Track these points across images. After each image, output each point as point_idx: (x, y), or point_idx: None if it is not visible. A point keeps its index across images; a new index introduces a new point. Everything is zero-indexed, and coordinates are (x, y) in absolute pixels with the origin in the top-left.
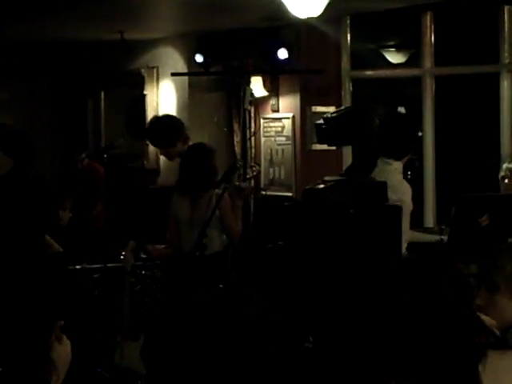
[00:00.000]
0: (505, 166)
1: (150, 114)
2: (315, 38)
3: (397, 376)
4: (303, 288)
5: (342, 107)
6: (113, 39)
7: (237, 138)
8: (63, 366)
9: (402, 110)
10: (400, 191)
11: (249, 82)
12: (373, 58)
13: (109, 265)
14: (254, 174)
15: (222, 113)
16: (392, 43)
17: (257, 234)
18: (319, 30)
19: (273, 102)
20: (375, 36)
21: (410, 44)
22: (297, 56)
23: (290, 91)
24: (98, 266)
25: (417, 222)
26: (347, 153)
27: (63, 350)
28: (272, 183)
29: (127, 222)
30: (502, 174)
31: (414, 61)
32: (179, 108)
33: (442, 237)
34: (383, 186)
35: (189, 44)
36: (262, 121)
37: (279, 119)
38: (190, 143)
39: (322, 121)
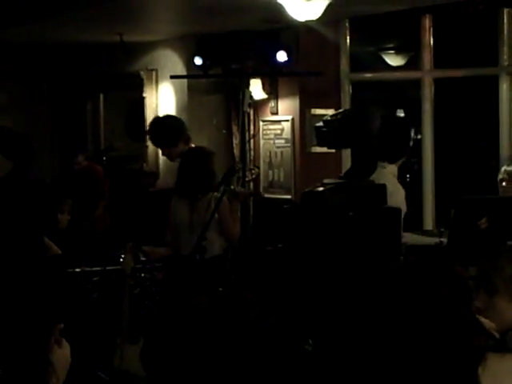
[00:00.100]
0: (503, 168)
1: (149, 117)
2: (314, 40)
3: (396, 379)
4: (303, 291)
5: (341, 110)
6: (112, 41)
7: (236, 141)
8: (63, 369)
9: (400, 112)
10: (394, 194)
11: (248, 85)
12: (372, 61)
13: (108, 267)
14: (253, 176)
15: (221, 115)
16: (391, 46)
17: (256, 237)
18: (318, 33)
19: (272, 104)
20: (374, 38)
21: (409, 46)
22: (296, 58)
23: (289, 94)
24: (98, 268)
25: (416, 224)
26: (346, 155)
27: (63, 353)
28: (271, 186)
29: (126, 224)
30: (500, 176)
31: (413, 63)
32: (178, 110)
33: (441, 239)
34: (383, 188)
35: (188, 46)
36: (261, 123)
37: (278, 122)
38: (192, 144)
39: (321, 123)
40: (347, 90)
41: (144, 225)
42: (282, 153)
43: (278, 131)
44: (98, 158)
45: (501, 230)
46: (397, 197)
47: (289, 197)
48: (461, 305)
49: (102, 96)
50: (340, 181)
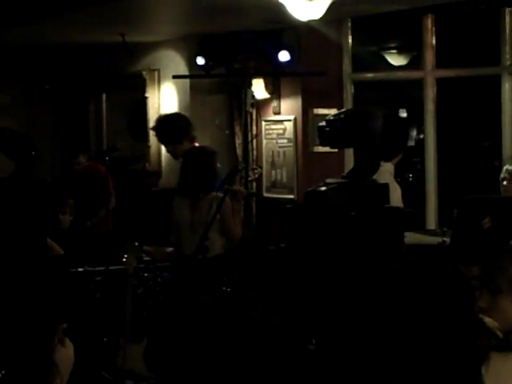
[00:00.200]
0: (505, 168)
1: (151, 117)
2: (316, 40)
3: (399, 378)
4: (305, 290)
5: (344, 109)
6: (114, 42)
7: (238, 141)
8: (66, 368)
9: (403, 112)
10: (390, 192)
11: (250, 85)
12: (374, 61)
13: (111, 267)
14: (256, 176)
15: (223, 115)
16: (393, 45)
17: (259, 237)
18: (320, 33)
19: (274, 104)
20: (376, 38)
21: (411, 46)
22: (298, 58)
23: (292, 93)
24: (101, 268)
25: (419, 224)
26: (349, 155)
27: (66, 353)
28: (274, 185)
29: (129, 224)
30: (501, 175)
31: (415, 63)
32: (181, 110)
33: (444, 239)
34: (385, 188)
35: (190, 46)
36: (263, 123)
37: (281, 121)
38: (196, 143)
39: (324, 123)
40: (349, 89)
41: (147, 224)
42: (284, 152)
43: (281, 131)
44: (101, 158)
45: (504, 229)
46: (393, 195)
47: (291, 196)
48: (464, 304)
49: (104, 96)
50: (342, 180)
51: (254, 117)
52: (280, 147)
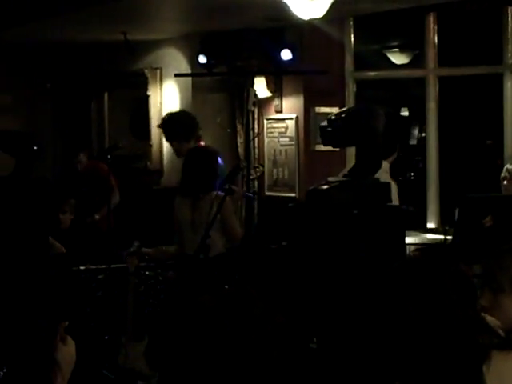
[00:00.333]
0: (505, 167)
1: (153, 115)
2: (319, 38)
3: (401, 377)
4: (307, 289)
5: (345, 108)
6: (116, 40)
7: (240, 139)
8: (68, 366)
9: (405, 111)
10: None
11: (252, 83)
12: (376, 59)
13: (113, 266)
14: (258, 174)
15: (225, 114)
16: (396, 44)
17: (260, 235)
18: (323, 31)
19: (276, 102)
20: (379, 37)
21: (413, 45)
22: (300, 57)
23: (294, 92)
24: (102, 266)
25: (420, 222)
26: (351, 153)
27: (68, 351)
28: (276, 184)
29: (131, 222)
30: (502, 175)
31: (417, 62)
32: (182, 109)
33: (446, 237)
34: (387, 186)
35: (192, 45)
36: (265, 122)
37: (283, 120)
38: (202, 142)
39: (326, 123)
40: (351, 88)
41: (148, 223)
42: (286, 151)
43: (283, 129)
44: (103, 157)
45: (506, 228)
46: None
47: (293, 195)
48: (465, 303)
49: (106, 95)
50: (344, 179)
51: (256, 115)
52: (282, 146)
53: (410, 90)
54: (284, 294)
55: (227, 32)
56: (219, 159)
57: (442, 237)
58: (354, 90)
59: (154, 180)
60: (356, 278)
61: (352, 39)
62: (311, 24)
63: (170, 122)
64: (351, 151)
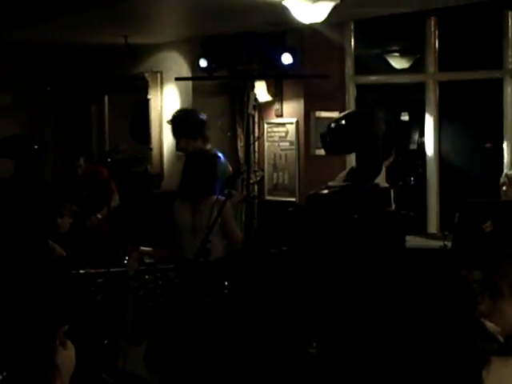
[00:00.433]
0: (504, 172)
1: (153, 119)
2: (319, 43)
3: (400, 382)
4: (307, 293)
5: (345, 112)
6: (117, 43)
7: (240, 143)
8: (67, 371)
9: (405, 115)
10: None
11: (253, 87)
12: (377, 64)
13: (112, 269)
14: (258, 178)
15: (225, 117)
16: (396, 48)
17: (260, 239)
18: (323, 35)
19: (277, 106)
20: (379, 41)
21: (414, 49)
22: (301, 61)
23: (294, 96)
24: (102, 270)
25: (420, 227)
26: (351, 158)
27: (67, 355)
28: (276, 188)
29: (130, 226)
30: (501, 180)
31: (417, 66)
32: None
33: (446, 243)
34: (387, 191)
35: (193, 49)
36: (265, 126)
37: (283, 124)
38: (209, 145)
39: (325, 131)
40: (352, 92)
41: (148, 226)
42: (286, 155)
43: (283, 134)
44: (103, 160)
45: (505, 233)
46: None
47: (293, 199)
48: (465, 308)
49: (106, 98)
50: (344, 183)
51: (257, 119)
52: (282, 150)
53: (410, 95)
54: (284, 298)
55: (228, 36)
56: (222, 158)
57: (441, 242)
58: (355, 94)
59: (154, 183)
60: (356, 283)
61: (352, 43)
62: (312, 28)
63: (180, 118)
64: (351, 156)
